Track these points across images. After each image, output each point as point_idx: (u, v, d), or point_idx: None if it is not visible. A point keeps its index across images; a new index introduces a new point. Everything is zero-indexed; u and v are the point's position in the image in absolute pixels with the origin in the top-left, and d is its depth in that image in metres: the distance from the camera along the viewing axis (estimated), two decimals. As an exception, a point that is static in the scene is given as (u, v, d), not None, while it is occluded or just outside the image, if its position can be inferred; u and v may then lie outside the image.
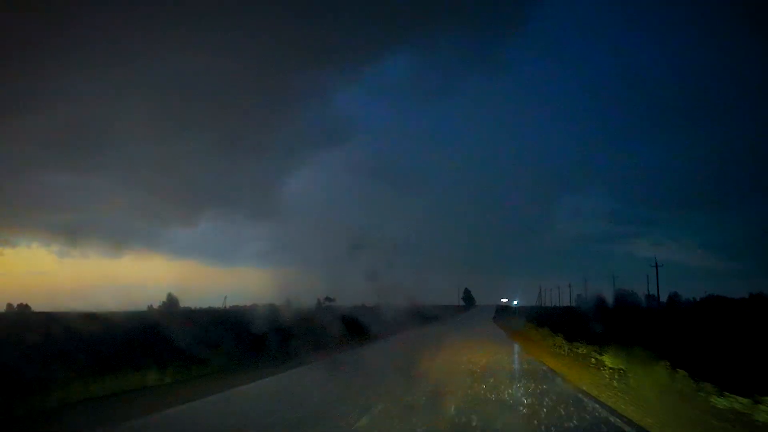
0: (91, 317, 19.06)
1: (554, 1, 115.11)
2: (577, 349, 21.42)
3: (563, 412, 9.88)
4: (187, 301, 74.33)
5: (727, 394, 10.29)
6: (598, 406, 10.72)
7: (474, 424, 8.95)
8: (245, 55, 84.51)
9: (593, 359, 18.34)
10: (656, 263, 71.73)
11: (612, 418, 9.51)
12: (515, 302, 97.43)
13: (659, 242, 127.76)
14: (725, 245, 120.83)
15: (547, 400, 11.20)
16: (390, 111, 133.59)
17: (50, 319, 18.68)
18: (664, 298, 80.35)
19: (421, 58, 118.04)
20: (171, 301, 72.14)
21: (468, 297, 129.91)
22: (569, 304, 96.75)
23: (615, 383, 13.82)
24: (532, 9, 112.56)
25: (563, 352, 22.36)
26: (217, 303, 76.56)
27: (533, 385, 13.50)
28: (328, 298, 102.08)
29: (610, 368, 15.82)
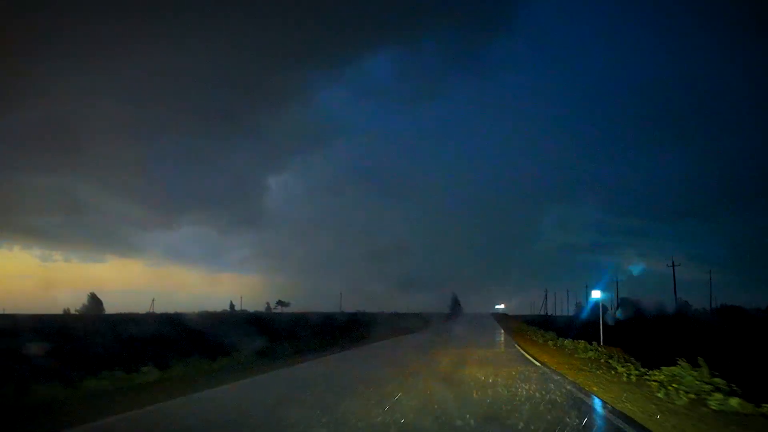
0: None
1: (546, 3, 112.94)
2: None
3: None
4: (113, 304, 71.26)
5: None
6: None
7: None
8: (226, 56, 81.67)
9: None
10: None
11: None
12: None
13: (645, 253, 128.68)
14: (711, 257, 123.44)
15: None
16: (373, 113, 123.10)
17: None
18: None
19: (403, 59, 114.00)
20: (94, 303, 70.10)
21: (455, 304, 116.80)
22: (556, 313, 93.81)
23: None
24: (522, 9, 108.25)
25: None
26: (144, 307, 71.07)
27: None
28: (280, 302, 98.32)
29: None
